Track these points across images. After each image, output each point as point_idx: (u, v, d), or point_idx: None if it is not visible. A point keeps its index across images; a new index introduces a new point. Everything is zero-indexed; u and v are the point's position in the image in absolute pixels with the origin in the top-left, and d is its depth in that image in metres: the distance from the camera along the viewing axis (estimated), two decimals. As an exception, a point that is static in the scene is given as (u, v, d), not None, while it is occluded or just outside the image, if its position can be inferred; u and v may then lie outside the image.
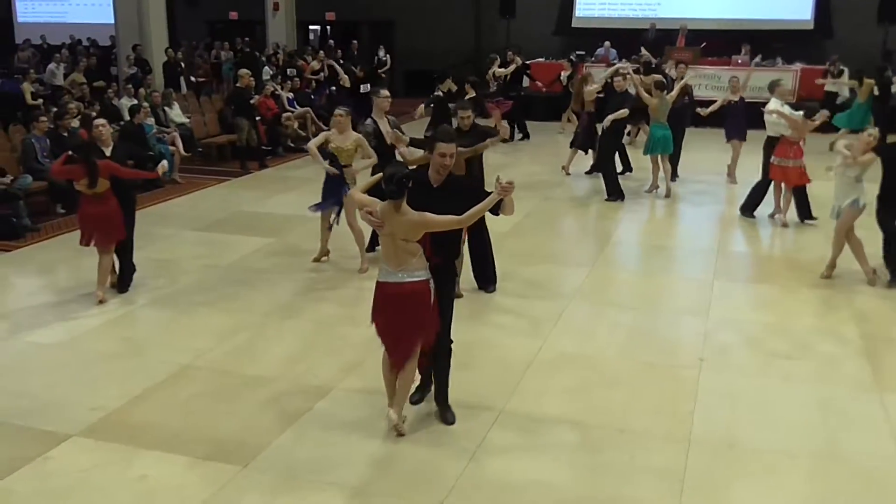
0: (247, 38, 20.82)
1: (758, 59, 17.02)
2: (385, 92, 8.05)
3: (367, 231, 7.66)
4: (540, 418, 5.14)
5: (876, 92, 13.40)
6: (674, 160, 11.31)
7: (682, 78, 11.66)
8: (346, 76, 13.35)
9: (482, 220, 7.16)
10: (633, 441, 4.85)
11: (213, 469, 4.54)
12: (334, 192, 7.72)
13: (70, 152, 7.10)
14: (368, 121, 7.88)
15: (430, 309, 4.78)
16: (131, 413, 5.18)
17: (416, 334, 4.80)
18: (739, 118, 11.22)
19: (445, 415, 5.09)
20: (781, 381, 5.64)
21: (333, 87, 13.24)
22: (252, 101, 13.17)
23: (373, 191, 4.98)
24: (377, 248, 7.17)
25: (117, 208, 7.02)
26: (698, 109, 11.45)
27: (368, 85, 14.21)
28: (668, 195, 10.80)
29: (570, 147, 12.21)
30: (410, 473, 4.53)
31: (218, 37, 22.03)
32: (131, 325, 6.63)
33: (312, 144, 7.77)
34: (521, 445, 4.84)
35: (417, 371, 5.02)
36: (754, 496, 4.35)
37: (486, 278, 7.35)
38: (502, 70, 15.25)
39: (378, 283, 4.83)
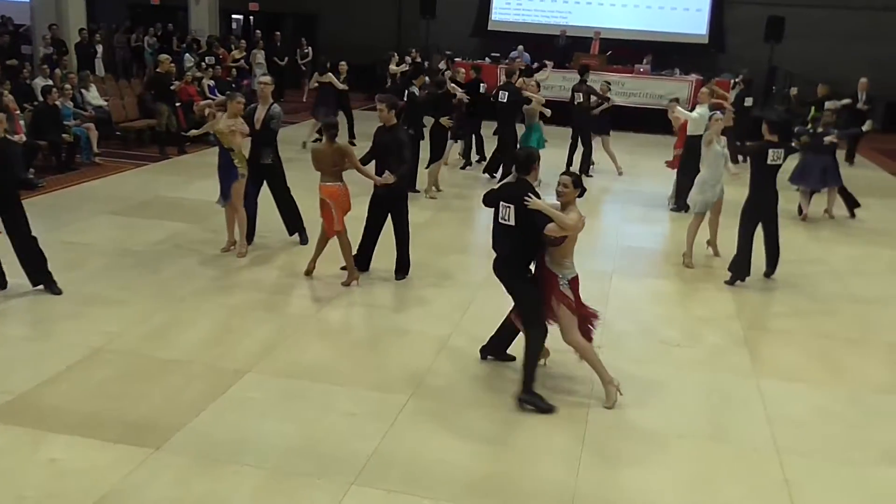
0: (169, 25, 20.50)
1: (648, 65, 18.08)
2: (264, 78, 8.37)
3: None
4: (451, 401, 5.35)
5: (748, 103, 14.51)
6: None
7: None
8: (342, 84, 13.62)
9: (406, 210, 7.41)
10: (536, 422, 5.11)
11: (126, 452, 4.55)
12: (226, 177, 7.85)
13: None
14: (252, 105, 8.18)
15: None
16: (40, 397, 5.14)
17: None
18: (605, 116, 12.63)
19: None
20: (672, 368, 5.99)
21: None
22: (172, 87, 13.08)
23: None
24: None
25: None
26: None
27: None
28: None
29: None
30: (324, 454, 4.66)
31: (138, 21, 21.59)
32: (42, 308, 6.54)
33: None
34: (433, 426, 5.03)
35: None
36: (644, 474, 4.64)
37: (401, 267, 7.57)
38: (396, 68, 15.58)
39: (576, 278, 5.35)
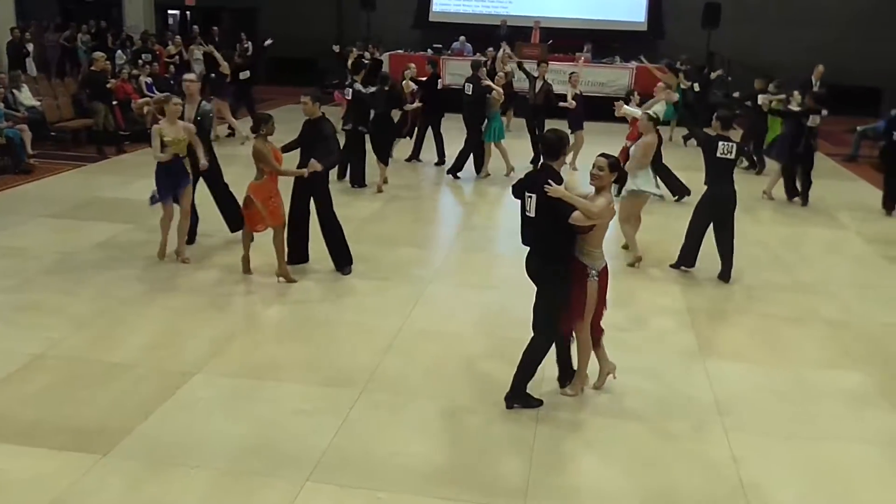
0: (102, 21, 20.03)
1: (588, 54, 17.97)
2: (189, 76, 8.25)
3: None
4: (402, 393, 5.35)
5: (696, 88, 14.97)
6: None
7: (543, 77, 12.27)
8: (226, 63, 13.24)
9: (329, 197, 7.36)
10: (488, 412, 5.12)
11: (72, 459, 4.46)
12: (173, 184, 7.56)
13: None
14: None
15: None
16: (-20, 406, 5.00)
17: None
18: (579, 110, 11.94)
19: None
20: (620, 352, 5.94)
21: (212, 74, 12.98)
22: (108, 85, 12.80)
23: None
24: None
25: None
26: (561, 103, 11.96)
27: (248, 72, 14.36)
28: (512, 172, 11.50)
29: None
30: (277, 452, 4.62)
31: (70, 18, 21.01)
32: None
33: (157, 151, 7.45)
34: (386, 420, 5.02)
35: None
36: (596, 458, 4.70)
37: (340, 259, 7.53)
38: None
39: (605, 269, 5.17)
